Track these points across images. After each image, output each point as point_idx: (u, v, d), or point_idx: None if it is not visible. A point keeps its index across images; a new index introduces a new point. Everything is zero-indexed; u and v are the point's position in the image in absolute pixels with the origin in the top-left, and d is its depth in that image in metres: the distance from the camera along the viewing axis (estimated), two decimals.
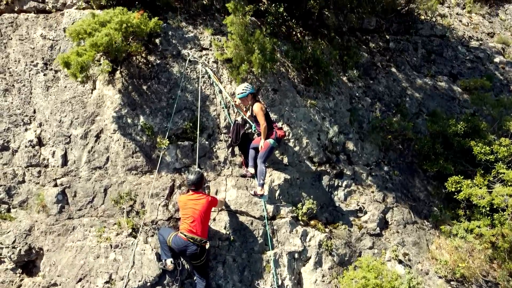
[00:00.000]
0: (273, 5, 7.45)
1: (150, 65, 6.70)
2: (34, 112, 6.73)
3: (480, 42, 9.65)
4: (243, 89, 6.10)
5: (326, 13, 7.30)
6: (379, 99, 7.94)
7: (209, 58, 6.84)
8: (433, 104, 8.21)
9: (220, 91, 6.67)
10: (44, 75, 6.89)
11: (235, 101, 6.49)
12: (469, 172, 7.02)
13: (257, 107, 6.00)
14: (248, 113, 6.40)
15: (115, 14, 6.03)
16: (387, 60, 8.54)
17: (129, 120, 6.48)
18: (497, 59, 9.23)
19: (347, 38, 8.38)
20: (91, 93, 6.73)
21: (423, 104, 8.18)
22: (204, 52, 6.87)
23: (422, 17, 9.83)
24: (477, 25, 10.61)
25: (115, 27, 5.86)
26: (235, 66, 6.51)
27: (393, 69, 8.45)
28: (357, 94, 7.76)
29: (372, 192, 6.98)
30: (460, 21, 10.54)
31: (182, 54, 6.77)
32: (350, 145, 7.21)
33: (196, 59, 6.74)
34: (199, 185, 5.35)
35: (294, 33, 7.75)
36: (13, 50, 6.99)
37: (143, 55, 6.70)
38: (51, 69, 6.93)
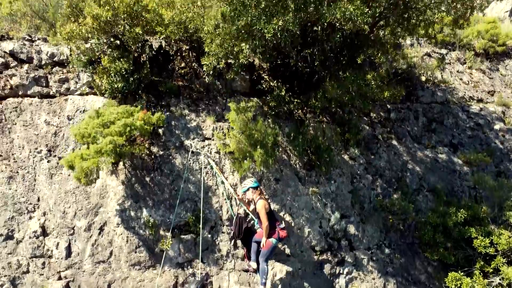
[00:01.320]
0: (275, 83, 7.49)
1: (153, 156, 6.76)
2: (38, 200, 6.80)
3: (481, 107, 9.70)
4: (245, 185, 6.25)
5: (327, 86, 7.30)
6: (380, 175, 8.00)
7: (211, 149, 6.90)
8: (434, 179, 8.27)
9: (222, 182, 6.73)
10: (48, 161, 6.95)
11: (238, 195, 6.56)
12: (470, 258, 7.08)
13: (259, 205, 6.06)
14: (252, 207, 6.45)
15: (119, 116, 6.08)
16: (388, 132, 8.60)
17: (132, 213, 6.54)
18: (497, 126, 9.29)
19: (348, 110, 8.42)
20: (95, 182, 6.78)
21: (424, 179, 8.23)
22: (206, 142, 6.93)
23: (423, 78, 9.88)
24: (477, 83, 10.66)
25: (119, 130, 5.91)
26: (238, 159, 6.57)
27: (394, 142, 8.50)
28: (358, 172, 7.81)
29: (373, 278, 7.03)
30: (461, 79, 10.59)
31: (185, 145, 6.83)
32: (352, 229, 7.27)
33: (198, 150, 6.80)
34: None
35: (296, 111, 7.79)
36: (17, 136, 7.05)
37: (146, 145, 6.76)
38: (55, 155, 6.99)
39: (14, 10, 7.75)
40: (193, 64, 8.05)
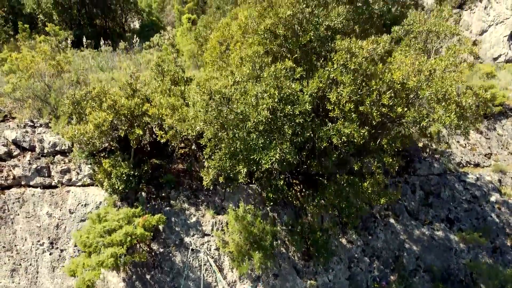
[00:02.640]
0: (273, 169, 7.60)
1: (153, 253, 6.88)
2: None
3: (477, 176, 9.80)
4: None
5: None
6: (377, 257, 8.11)
7: (210, 245, 7.01)
8: (430, 257, 8.38)
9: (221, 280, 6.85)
10: (50, 254, 7.06)
11: None
12: None
13: None
14: None
15: (120, 222, 6.19)
16: (386, 209, 8.70)
17: None
18: (493, 198, 9.40)
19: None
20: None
21: (421, 258, 8.34)
22: (206, 238, 7.05)
23: (420, 144, 10.00)
24: (474, 146, 10.77)
25: (120, 239, 6.03)
26: (237, 259, 6.68)
27: (391, 220, 8.62)
28: (355, 256, 7.92)
29: None
30: (458, 141, 10.70)
31: (185, 243, 6.95)
32: None
33: (198, 248, 6.92)
34: None
35: (294, 201, 7.90)
36: (20, 227, 7.16)
37: (146, 242, 6.87)
38: (57, 248, 7.10)
39: (17, 96, 7.85)
40: (192, 147, 8.19)
